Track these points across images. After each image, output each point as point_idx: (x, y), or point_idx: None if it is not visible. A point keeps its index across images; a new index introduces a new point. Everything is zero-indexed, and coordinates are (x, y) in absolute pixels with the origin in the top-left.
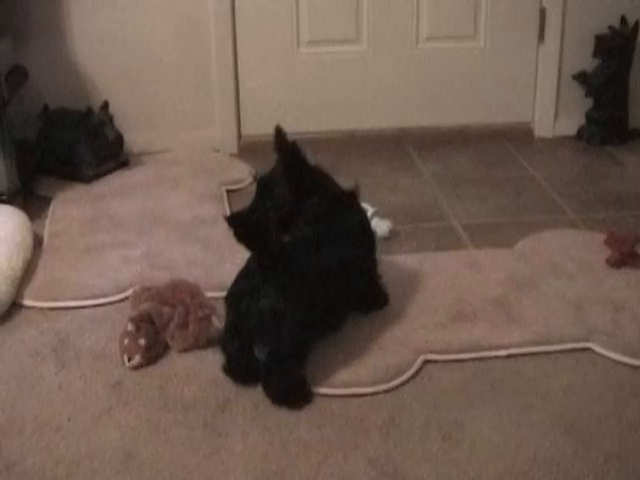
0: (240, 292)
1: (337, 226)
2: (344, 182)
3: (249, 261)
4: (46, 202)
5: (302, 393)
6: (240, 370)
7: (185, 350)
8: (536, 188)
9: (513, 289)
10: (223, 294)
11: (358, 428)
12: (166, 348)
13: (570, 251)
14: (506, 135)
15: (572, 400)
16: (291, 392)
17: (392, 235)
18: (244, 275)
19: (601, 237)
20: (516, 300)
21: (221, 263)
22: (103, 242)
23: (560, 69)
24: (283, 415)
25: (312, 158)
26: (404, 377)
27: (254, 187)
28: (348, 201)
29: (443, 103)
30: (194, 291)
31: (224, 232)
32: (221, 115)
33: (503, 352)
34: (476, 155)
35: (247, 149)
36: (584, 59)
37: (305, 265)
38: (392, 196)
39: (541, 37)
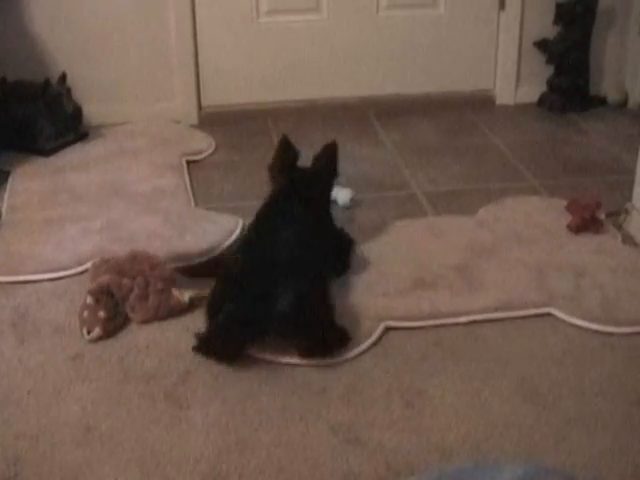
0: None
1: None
2: (306, 152)
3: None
4: (4, 176)
5: (340, 334)
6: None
7: (145, 322)
8: (498, 155)
9: (475, 256)
10: (183, 264)
11: (320, 397)
12: (126, 320)
13: (532, 217)
14: (468, 103)
15: (533, 365)
16: (329, 337)
17: (353, 204)
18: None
19: (562, 203)
20: (478, 267)
21: (181, 234)
22: (62, 215)
23: (521, 36)
24: (244, 386)
25: None
26: (365, 345)
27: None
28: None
29: (404, 71)
30: (154, 262)
31: (184, 203)
32: (181, 86)
33: (464, 319)
34: (438, 123)
35: (207, 120)
36: (545, 26)
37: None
38: (354, 165)
39: (502, 4)
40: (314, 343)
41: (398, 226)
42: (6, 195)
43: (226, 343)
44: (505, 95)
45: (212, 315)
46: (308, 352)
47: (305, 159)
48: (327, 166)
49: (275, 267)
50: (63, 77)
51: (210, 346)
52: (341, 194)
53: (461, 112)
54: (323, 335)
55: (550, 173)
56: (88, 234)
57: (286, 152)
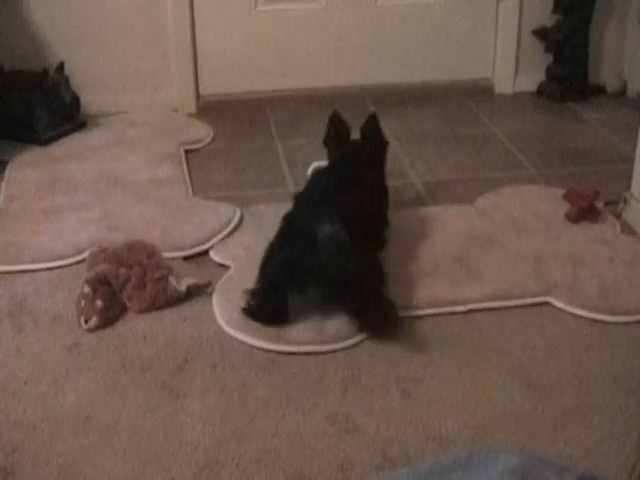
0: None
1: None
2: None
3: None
4: (2, 165)
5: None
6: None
7: (143, 311)
8: (496, 144)
9: (473, 245)
10: (181, 254)
11: (317, 386)
12: (123, 309)
13: (530, 206)
14: (466, 92)
15: (531, 355)
16: (391, 316)
17: None
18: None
19: (561, 192)
20: (476, 256)
21: (179, 223)
22: (60, 205)
23: (520, 25)
24: (241, 375)
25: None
26: (363, 334)
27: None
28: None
29: (403, 60)
30: (151, 251)
31: (182, 192)
32: (179, 75)
33: (462, 308)
34: (436, 112)
35: (205, 109)
36: (544, 14)
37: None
38: None
39: None
40: (364, 307)
41: (397, 215)
42: (3, 185)
43: (272, 295)
44: (504, 84)
45: (264, 268)
46: (361, 317)
47: (304, 151)
48: (376, 135)
49: (321, 220)
50: (61, 66)
51: (257, 303)
52: None
53: (460, 101)
54: (386, 315)
55: (548, 162)
56: (86, 223)
57: (340, 126)
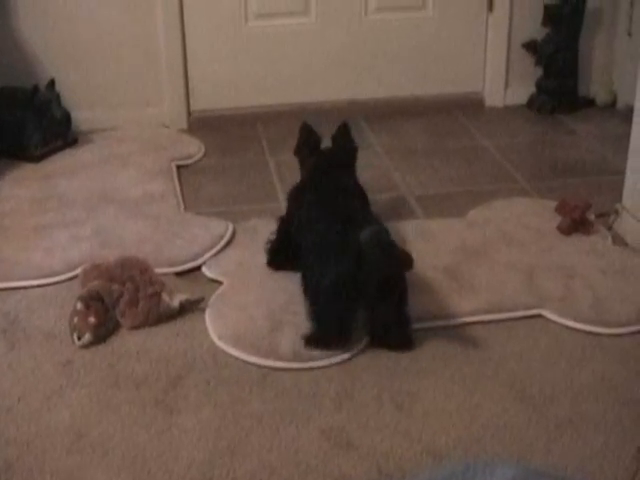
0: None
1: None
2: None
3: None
4: None
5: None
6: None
7: (135, 327)
8: (487, 157)
9: (465, 258)
10: (173, 270)
11: (311, 400)
12: (116, 326)
13: (522, 219)
14: (457, 105)
15: (525, 367)
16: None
17: None
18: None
19: (552, 205)
20: (468, 269)
21: (171, 239)
22: (52, 221)
23: (510, 38)
24: (235, 390)
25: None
26: (356, 348)
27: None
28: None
29: (393, 74)
30: (143, 267)
31: (174, 208)
32: (170, 91)
33: (455, 321)
34: (427, 126)
35: (196, 125)
36: (533, 28)
37: None
38: None
39: (490, 6)
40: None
41: (388, 229)
42: None
43: (338, 312)
44: (494, 97)
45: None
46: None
47: (295, 166)
48: (346, 143)
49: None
50: (52, 83)
51: (323, 329)
52: None
53: (450, 114)
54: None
55: (540, 175)
56: (78, 240)
57: (310, 136)
